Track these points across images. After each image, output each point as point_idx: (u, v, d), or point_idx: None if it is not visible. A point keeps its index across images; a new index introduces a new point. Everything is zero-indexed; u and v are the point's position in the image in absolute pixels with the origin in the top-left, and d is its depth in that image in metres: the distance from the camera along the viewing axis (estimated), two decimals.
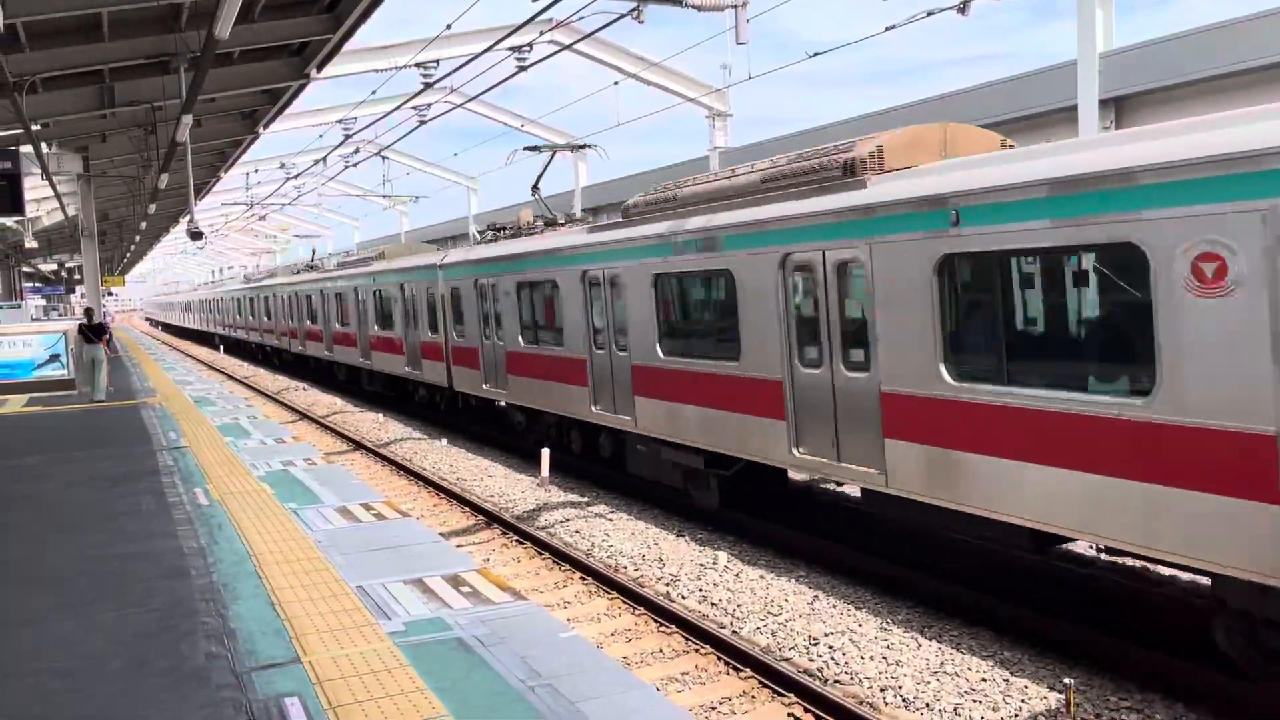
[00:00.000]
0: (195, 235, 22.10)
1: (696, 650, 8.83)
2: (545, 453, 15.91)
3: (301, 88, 17.99)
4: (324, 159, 29.66)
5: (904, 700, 7.58)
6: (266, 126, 21.61)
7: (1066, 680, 7.36)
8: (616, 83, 25.46)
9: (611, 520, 13.18)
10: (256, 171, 37.46)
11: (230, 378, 38.55)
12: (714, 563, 11.00)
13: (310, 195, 42.32)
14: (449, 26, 16.19)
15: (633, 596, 10.17)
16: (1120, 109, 15.93)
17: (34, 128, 15.88)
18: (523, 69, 17.62)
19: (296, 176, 33.18)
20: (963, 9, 13.14)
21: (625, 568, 11.30)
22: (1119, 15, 16.16)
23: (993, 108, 17.89)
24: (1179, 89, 15.11)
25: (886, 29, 14.01)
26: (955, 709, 7.37)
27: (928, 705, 7.47)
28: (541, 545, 12.23)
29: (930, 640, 8.58)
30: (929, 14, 13.26)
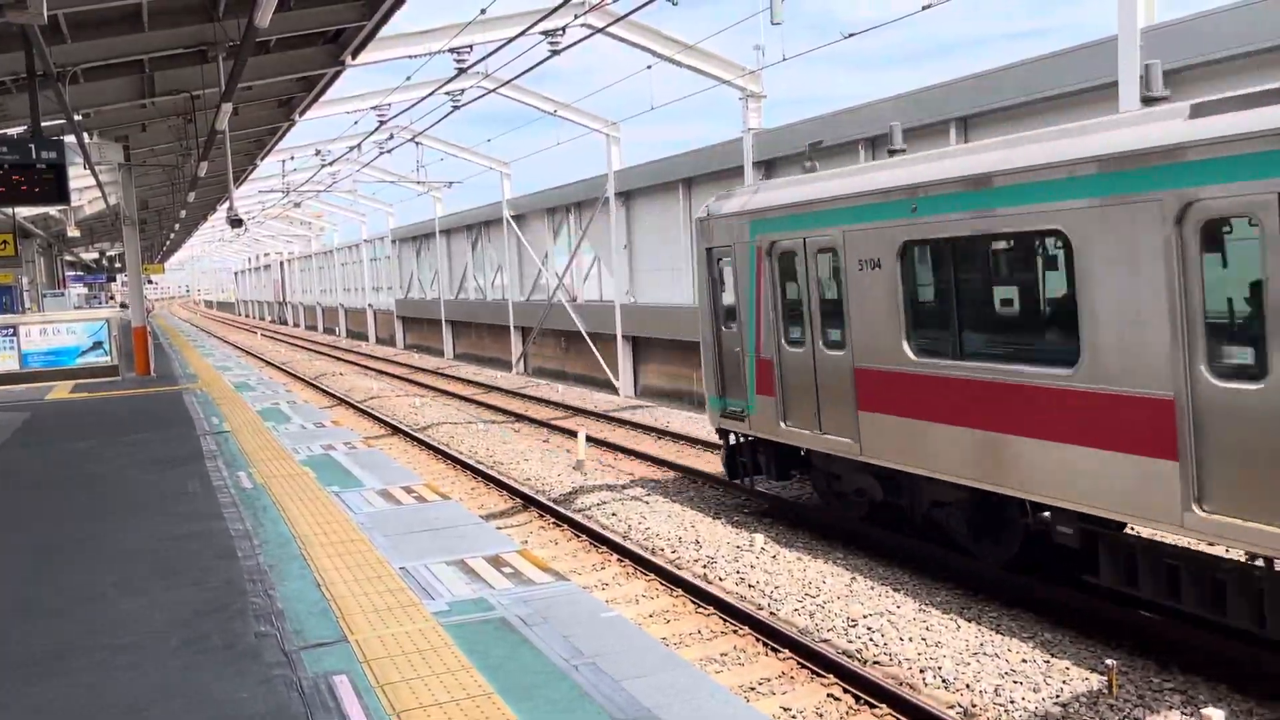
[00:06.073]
0: (235, 222, 22.39)
1: (735, 631, 8.88)
2: (581, 435, 16.01)
3: (337, 75, 18.05)
4: (359, 145, 29.79)
5: (944, 681, 7.59)
6: (303, 114, 21.70)
7: (1109, 661, 7.34)
8: (650, 65, 25.34)
9: (648, 503, 13.25)
10: (292, 159, 37.64)
11: (268, 363, 39.01)
12: (751, 544, 11.04)
13: (345, 181, 42.52)
14: (483, 11, 16.20)
15: (670, 578, 10.24)
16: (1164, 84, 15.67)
17: (76, 118, 16.10)
18: (556, 53, 17.61)
19: (332, 163, 33.33)
20: None
21: (663, 549, 11.36)
22: None
23: (1032, 85, 17.63)
24: (1221, 63, 14.86)
25: (924, 8, 13.85)
26: (995, 690, 7.37)
27: (968, 686, 7.48)
28: (579, 527, 12.33)
29: (969, 622, 8.58)
30: None
